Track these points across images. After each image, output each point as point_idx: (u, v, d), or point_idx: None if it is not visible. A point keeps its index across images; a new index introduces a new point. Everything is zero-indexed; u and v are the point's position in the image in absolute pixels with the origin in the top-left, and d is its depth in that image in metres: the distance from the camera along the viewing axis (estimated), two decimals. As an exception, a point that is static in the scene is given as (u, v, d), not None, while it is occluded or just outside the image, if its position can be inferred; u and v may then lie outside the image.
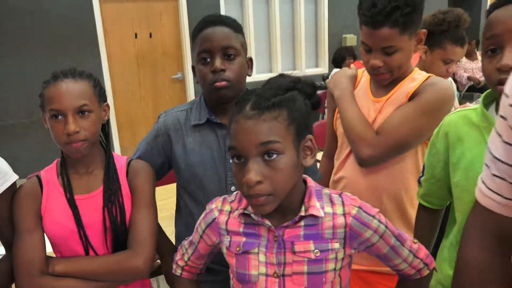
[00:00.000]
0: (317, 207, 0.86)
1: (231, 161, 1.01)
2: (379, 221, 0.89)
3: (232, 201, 0.94)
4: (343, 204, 0.88)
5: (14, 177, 1.09)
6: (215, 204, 0.97)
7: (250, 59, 1.26)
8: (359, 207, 0.88)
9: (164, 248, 1.28)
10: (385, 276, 1.31)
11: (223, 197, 0.98)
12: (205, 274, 1.11)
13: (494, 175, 0.68)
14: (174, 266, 1.08)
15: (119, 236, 1.11)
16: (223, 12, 5.45)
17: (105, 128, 1.15)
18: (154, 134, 1.28)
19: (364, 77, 1.39)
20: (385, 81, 1.26)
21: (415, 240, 0.95)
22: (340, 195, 0.90)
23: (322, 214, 0.86)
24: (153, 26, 5.18)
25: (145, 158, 1.26)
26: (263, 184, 0.78)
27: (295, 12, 6.12)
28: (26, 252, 1.04)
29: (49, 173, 1.12)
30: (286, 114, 0.80)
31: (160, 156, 1.27)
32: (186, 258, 1.04)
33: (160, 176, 1.31)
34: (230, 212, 0.93)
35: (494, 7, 0.99)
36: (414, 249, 0.94)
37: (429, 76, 1.26)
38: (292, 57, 6.30)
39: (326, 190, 0.91)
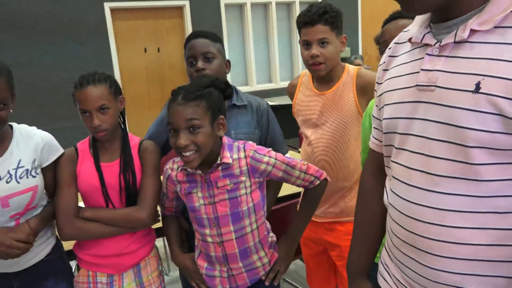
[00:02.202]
0: (227, 156, 1.28)
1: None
2: (269, 156, 1.30)
3: (178, 161, 1.37)
4: (244, 150, 1.30)
5: (61, 150, 1.49)
6: (169, 165, 1.39)
7: (228, 61, 1.66)
8: (255, 150, 1.30)
9: None
10: (342, 223, 1.72)
11: (173, 159, 1.40)
12: (180, 214, 1.53)
13: (374, 127, 1.10)
14: (161, 209, 1.51)
15: (131, 195, 1.43)
16: (224, 28, 5.96)
17: (123, 114, 1.53)
18: (160, 119, 1.69)
19: (304, 77, 1.80)
20: (320, 71, 1.63)
21: (305, 163, 1.36)
22: (244, 144, 1.33)
23: (230, 161, 1.27)
24: (161, 42, 5.70)
25: (154, 136, 1.65)
26: (189, 145, 1.20)
27: (292, 25, 6.60)
28: (64, 201, 1.40)
29: (83, 145, 1.47)
30: (204, 103, 1.22)
31: (165, 133, 1.64)
32: (163, 202, 1.48)
33: (166, 149, 1.70)
34: (178, 168, 1.36)
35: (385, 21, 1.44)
36: (303, 169, 1.34)
37: (358, 69, 1.66)
38: (290, 69, 6.76)
39: (236, 143, 1.34)
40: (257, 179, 1.32)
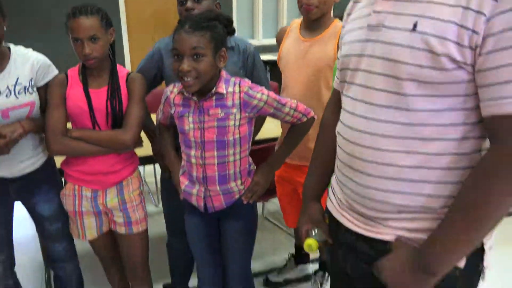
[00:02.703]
0: (222, 87, 1.39)
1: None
2: (262, 93, 1.42)
3: (179, 86, 1.47)
4: (239, 86, 1.41)
5: (56, 72, 1.62)
6: (169, 88, 1.51)
7: (218, 3, 1.73)
8: (249, 87, 1.41)
9: (152, 132, 1.84)
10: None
11: (174, 83, 1.51)
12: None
13: (337, 67, 1.19)
14: (156, 123, 1.66)
15: (117, 119, 1.57)
16: (233, -23, 5.87)
17: (113, 45, 1.58)
18: (151, 54, 1.80)
19: (294, 24, 1.87)
20: (312, 14, 1.69)
21: (294, 101, 1.48)
22: (240, 81, 1.43)
23: (225, 92, 1.38)
24: (169, -11, 5.65)
25: (144, 70, 1.75)
26: (191, 72, 1.31)
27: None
28: (53, 119, 1.53)
29: (73, 72, 1.59)
30: (209, 34, 1.32)
31: (154, 69, 1.78)
32: (159, 117, 1.61)
33: (155, 84, 1.83)
34: (177, 92, 1.48)
35: None
36: (293, 107, 1.47)
37: None
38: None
39: (233, 79, 1.44)
40: (247, 114, 1.43)
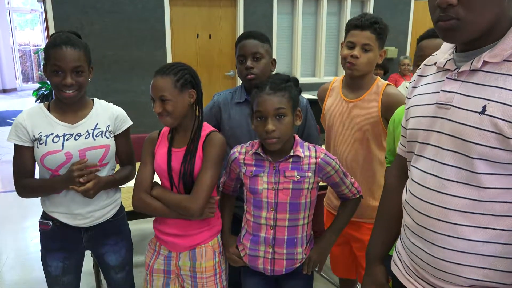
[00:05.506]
0: (300, 151, 1.45)
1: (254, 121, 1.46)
2: (336, 162, 1.48)
3: (247, 146, 1.53)
4: (315, 151, 1.47)
5: (130, 122, 1.75)
6: (236, 149, 1.54)
7: (274, 60, 1.84)
8: (325, 153, 1.47)
9: None
10: (366, 222, 1.88)
11: (241, 144, 1.55)
12: (236, 194, 1.69)
13: (401, 135, 1.26)
14: (220, 186, 1.66)
15: (187, 184, 1.51)
16: (275, 20, 6.11)
17: (198, 104, 1.56)
18: (210, 106, 1.90)
19: (336, 83, 1.92)
20: (355, 71, 1.73)
21: (352, 177, 1.55)
22: (314, 146, 1.50)
23: (302, 155, 1.44)
24: (213, 29, 5.93)
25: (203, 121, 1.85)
26: (275, 131, 1.37)
27: (341, 21, 6.65)
28: (140, 176, 1.56)
29: (166, 129, 1.61)
30: (287, 94, 1.40)
31: (212, 120, 1.86)
32: (224, 181, 1.64)
33: None
34: (245, 152, 1.51)
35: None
36: (352, 182, 1.54)
37: (387, 84, 1.76)
38: (335, 64, 6.83)
39: (306, 143, 1.50)
40: (319, 179, 1.48)
